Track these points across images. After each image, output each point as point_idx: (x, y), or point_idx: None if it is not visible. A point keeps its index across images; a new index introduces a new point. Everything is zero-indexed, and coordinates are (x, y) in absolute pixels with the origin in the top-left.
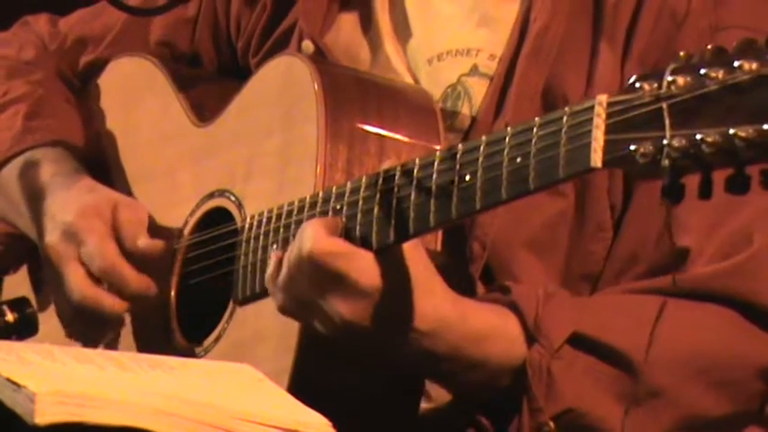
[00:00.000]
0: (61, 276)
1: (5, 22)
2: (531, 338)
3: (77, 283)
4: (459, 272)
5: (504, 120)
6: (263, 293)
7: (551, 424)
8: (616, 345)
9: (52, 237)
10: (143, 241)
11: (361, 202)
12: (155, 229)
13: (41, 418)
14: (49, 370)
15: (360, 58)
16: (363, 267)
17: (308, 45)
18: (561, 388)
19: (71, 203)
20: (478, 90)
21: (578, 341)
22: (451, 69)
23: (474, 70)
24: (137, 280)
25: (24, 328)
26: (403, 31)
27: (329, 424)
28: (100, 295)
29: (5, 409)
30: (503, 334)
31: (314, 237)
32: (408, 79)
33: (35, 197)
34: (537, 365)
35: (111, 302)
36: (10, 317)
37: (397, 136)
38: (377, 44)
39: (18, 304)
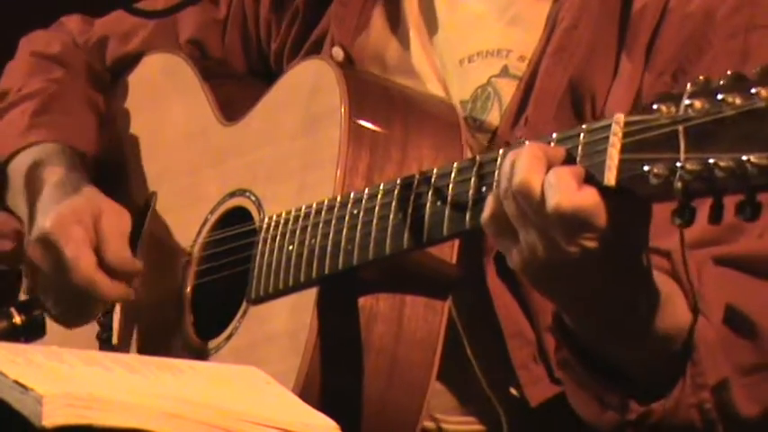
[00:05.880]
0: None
1: (44, 23)
2: (695, 310)
3: None
4: (473, 284)
5: (525, 116)
6: (277, 293)
7: (713, 400)
8: (754, 317)
9: (30, 242)
10: (113, 253)
11: (377, 208)
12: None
13: (49, 421)
14: (56, 372)
15: (387, 57)
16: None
17: (337, 52)
18: (719, 363)
19: (52, 207)
20: (508, 92)
21: (729, 315)
22: (482, 70)
23: (504, 71)
24: (112, 291)
25: (32, 331)
26: (432, 30)
27: (336, 426)
28: None
29: (13, 411)
30: (671, 300)
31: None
32: (434, 80)
33: (29, 193)
34: (704, 339)
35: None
36: (18, 319)
37: (420, 145)
38: (405, 44)
39: (26, 306)
